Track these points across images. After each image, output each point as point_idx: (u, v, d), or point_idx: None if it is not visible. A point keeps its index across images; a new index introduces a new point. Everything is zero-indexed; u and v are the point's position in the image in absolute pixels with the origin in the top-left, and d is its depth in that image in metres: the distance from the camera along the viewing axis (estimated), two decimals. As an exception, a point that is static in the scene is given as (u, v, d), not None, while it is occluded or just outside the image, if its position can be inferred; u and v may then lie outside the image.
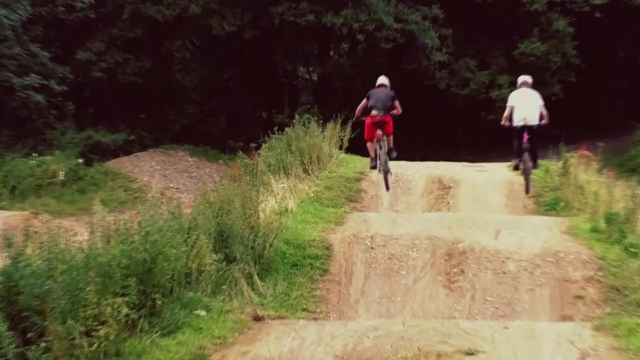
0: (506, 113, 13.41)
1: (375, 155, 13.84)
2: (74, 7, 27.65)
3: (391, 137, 13.78)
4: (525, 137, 13.18)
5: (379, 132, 13.43)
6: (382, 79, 13.85)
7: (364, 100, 13.48)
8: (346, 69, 31.23)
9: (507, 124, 13.40)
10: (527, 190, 14.31)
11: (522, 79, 13.71)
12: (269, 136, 17.69)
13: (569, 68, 30.20)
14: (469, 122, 31.88)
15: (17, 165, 22.50)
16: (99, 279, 7.69)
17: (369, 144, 13.97)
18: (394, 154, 14.10)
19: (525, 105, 13.20)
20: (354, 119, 14.22)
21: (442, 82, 29.84)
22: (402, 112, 13.65)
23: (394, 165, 17.67)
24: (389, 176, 14.08)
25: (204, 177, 22.68)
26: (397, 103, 13.47)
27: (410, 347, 7.74)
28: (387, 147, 13.76)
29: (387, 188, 14.31)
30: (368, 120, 13.31)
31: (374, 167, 14.12)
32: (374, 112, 13.13)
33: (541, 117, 13.22)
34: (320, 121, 18.46)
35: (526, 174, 13.96)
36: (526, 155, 13.53)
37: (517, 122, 13.20)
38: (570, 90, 30.13)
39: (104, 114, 29.14)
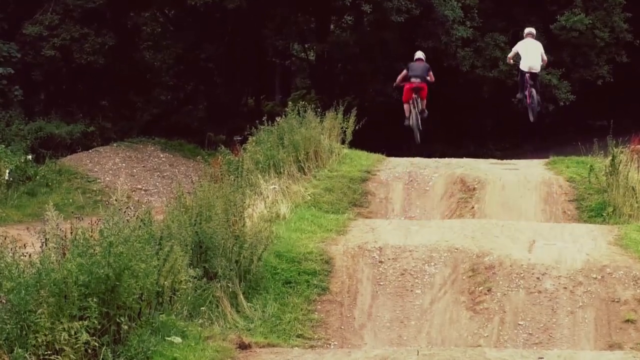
0: (511, 54, 19.88)
1: (409, 115, 19.81)
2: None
3: (425, 101, 19.82)
4: (529, 78, 19.28)
5: (415, 95, 19.56)
6: (419, 54, 19.97)
7: (404, 71, 19.63)
8: (350, 46, 31.20)
9: (510, 62, 20.10)
10: (531, 117, 19.91)
11: (528, 30, 19.76)
12: (256, 128, 17.74)
13: (619, 45, 30.23)
14: (497, 110, 31.92)
15: (-51, 163, 22.42)
16: (53, 299, 7.73)
17: (405, 105, 20.01)
18: (425, 113, 20.06)
19: (531, 55, 19.09)
20: (394, 85, 20.43)
21: (465, 63, 29.87)
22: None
23: (407, 164, 17.79)
24: (418, 129, 19.84)
25: (178, 177, 22.63)
26: (431, 73, 19.59)
27: (426, 380, 7.80)
28: (420, 107, 19.76)
29: (418, 141, 20.05)
30: (407, 86, 19.41)
31: (407, 125, 20.01)
32: (413, 79, 19.20)
33: (542, 61, 19.38)
34: (319, 109, 18.51)
35: (531, 107, 19.64)
36: (532, 90, 19.27)
37: (524, 68, 19.17)
38: (620, 72, 30.17)
39: (57, 100, 29.16)
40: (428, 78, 19.63)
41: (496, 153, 27.76)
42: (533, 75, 19.28)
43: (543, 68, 20.18)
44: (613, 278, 11.20)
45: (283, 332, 10.33)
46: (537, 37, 29.97)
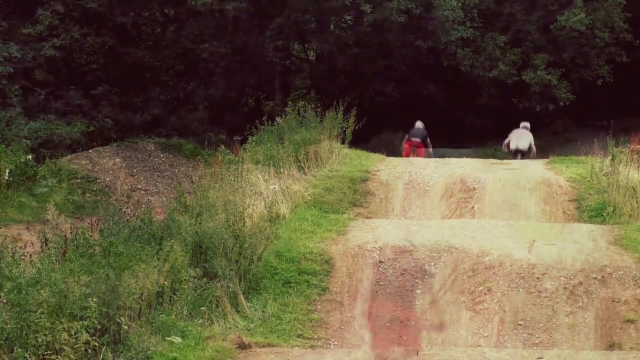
0: (506, 142, 21.87)
1: None
2: (20, -30, 27.70)
3: None
4: (517, 156, 21.21)
5: (413, 151, 21.42)
6: (419, 124, 22.16)
7: (406, 136, 21.92)
8: (350, 46, 31.22)
9: (506, 150, 21.79)
10: None
11: (523, 124, 22.07)
12: (256, 127, 17.74)
13: (619, 45, 30.23)
14: (497, 110, 31.93)
15: (-50, 163, 22.38)
16: (53, 299, 7.74)
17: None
18: None
19: (520, 139, 21.52)
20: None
21: (465, 63, 29.89)
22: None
23: (407, 164, 17.79)
24: None
25: (178, 177, 22.64)
26: (428, 140, 21.81)
27: (426, 380, 7.80)
28: None
29: None
30: (406, 145, 21.49)
31: None
32: (413, 139, 21.50)
33: (530, 149, 21.53)
34: (319, 109, 18.51)
35: None
36: None
37: (512, 148, 21.45)
38: (620, 72, 30.18)
39: (57, 100, 29.14)
40: (427, 141, 21.87)
41: (496, 153, 27.73)
42: (521, 153, 21.35)
43: (533, 155, 21.54)
44: (613, 278, 11.20)
45: (283, 332, 10.33)
46: (538, 37, 30.23)
